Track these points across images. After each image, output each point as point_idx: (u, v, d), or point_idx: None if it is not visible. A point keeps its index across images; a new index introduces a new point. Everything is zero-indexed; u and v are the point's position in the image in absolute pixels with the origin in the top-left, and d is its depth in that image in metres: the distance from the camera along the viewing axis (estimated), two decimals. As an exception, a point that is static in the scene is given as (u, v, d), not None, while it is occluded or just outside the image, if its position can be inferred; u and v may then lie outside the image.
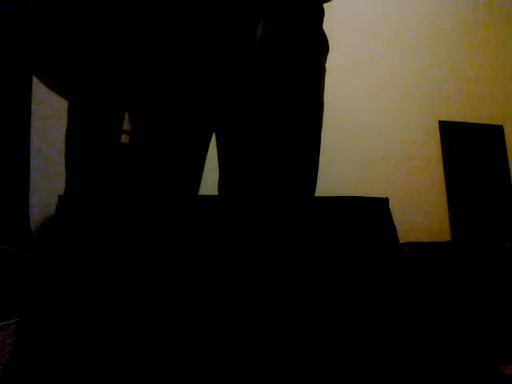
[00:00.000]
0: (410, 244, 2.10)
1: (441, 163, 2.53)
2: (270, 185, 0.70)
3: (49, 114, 1.81)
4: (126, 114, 0.53)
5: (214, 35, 0.55)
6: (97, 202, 0.54)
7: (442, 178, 2.52)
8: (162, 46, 0.53)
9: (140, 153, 0.54)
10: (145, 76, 0.53)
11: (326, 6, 0.77)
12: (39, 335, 0.51)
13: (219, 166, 0.76)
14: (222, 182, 0.76)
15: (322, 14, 0.76)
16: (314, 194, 0.76)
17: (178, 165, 0.57)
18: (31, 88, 1.72)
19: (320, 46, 0.75)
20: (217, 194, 0.77)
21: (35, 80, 1.74)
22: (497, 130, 2.69)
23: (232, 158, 0.73)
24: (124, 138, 0.53)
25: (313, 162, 0.74)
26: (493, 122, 2.69)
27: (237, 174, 0.72)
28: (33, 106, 1.73)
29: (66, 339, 0.50)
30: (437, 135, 2.56)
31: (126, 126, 0.53)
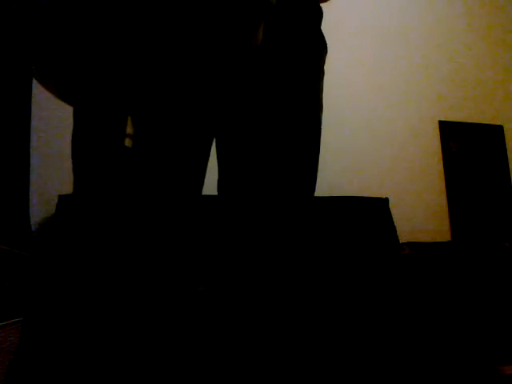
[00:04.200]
0: (410, 244, 2.10)
1: (441, 163, 2.53)
2: (270, 185, 0.70)
3: (49, 115, 1.81)
4: (129, 119, 0.53)
5: (215, 38, 0.55)
6: (101, 205, 0.54)
7: (442, 178, 2.51)
8: (163, 49, 0.53)
9: (144, 156, 0.54)
10: (147, 79, 0.53)
11: (324, 5, 0.77)
12: (42, 335, 0.51)
13: (218, 167, 0.76)
14: (222, 183, 0.76)
15: (320, 14, 0.76)
16: (313, 194, 0.76)
17: (182, 167, 0.57)
18: (31, 88, 1.72)
19: (318, 47, 0.75)
20: (216, 194, 0.77)
21: (35, 81, 1.74)
22: (497, 130, 2.69)
23: (232, 158, 0.73)
24: (127, 142, 0.53)
25: (312, 162, 0.74)
26: (493, 122, 2.69)
27: (236, 175, 0.72)
28: (33, 107, 1.73)
29: (68, 339, 0.50)
30: (437, 135, 2.56)
31: (129, 129, 0.53)
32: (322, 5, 0.76)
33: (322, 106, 0.76)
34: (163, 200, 0.55)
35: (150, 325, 0.55)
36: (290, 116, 0.70)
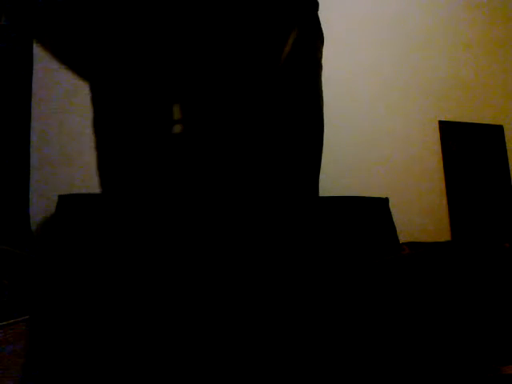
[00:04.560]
0: (410, 244, 2.10)
1: (441, 163, 2.53)
2: (271, 183, 0.70)
3: (49, 114, 1.81)
4: (177, 104, 0.49)
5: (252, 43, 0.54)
6: (153, 203, 0.50)
7: (442, 178, 2.51)
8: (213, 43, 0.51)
9: (197, 144, 0.50)
10: (197, 69, 0.50)
11: (324, 5, 0.77)
12: (47, 336, 0.50)
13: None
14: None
15: (315, 4, 0.75)
16: (317, 192, 0.76)
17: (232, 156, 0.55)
18: (31, 88, 1.72)
19: (314, 39, 0.73)
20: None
21: (35, 80, 1.74)
22: (497, 130, 2.69)
23: (231, 157, 0.73)
24: (177, 129, 0.49)
25: (315, 159, 0.74)
26: (493, 122, 2.69)
27: (238, 173, 0.72)
28: (33, 106, 1.73)
29: (68, 338, 0.50)
30: (437, 135, 2.56)
31: (177, 114, 0.49)
32: (321, 4, 0.76)
33: (323, 102, 0.75)
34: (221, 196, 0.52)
35: (150, 323, 0.55)
36: (290, 115, 0.69)
